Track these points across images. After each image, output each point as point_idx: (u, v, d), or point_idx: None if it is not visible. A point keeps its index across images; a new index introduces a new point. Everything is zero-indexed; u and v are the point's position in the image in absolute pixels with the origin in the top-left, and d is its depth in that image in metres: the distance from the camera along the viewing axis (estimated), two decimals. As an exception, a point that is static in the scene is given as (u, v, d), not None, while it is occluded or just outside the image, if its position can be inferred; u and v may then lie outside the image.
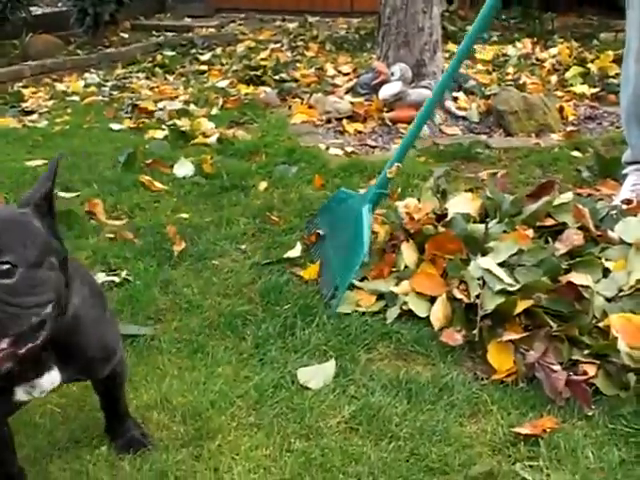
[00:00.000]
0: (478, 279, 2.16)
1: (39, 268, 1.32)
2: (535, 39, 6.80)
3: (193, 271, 2.60)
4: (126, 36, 8.79)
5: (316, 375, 1.98)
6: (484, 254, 2.26)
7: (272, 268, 2.59)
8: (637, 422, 1.77)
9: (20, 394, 1.46)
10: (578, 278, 2.10)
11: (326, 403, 1.88)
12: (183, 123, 4.50)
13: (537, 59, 6.09)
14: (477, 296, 2.12)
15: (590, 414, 1.82)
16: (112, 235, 2.90)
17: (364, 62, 6.24)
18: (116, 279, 2.54)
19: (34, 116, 5.23)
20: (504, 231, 2.37)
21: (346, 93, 4.96)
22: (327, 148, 4.02)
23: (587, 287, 2.08)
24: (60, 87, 6.29)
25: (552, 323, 2.03)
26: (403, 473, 1.64)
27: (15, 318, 1.26)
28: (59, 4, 9.56)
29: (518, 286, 2.08)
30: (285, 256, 2.65)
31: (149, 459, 1.70)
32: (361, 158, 3.82)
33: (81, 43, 8.08)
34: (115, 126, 4.67)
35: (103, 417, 1.81)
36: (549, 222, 2.42)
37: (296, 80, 5.68)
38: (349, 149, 4.02)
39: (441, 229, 2.44)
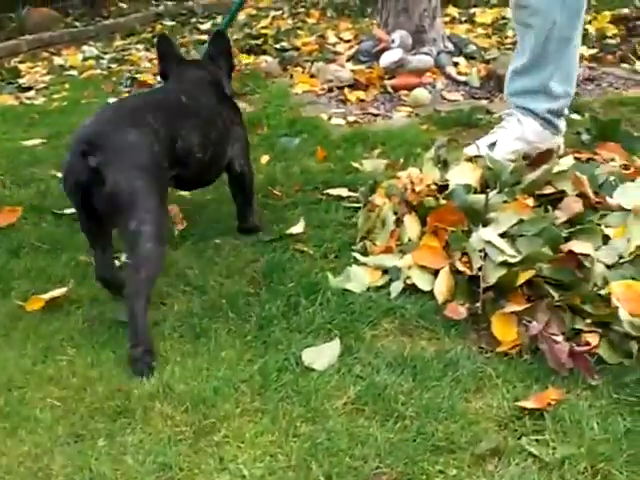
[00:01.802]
0: (480, 251, 2.15)
1: None
2: (534, 1, 6.71)
3: (195, 251, 2.58)
4: (125, 6, 8.72)
5: (321, 355, 1.96)
6: (485, 225, 2.25)
7: (275, 245, 2.58)
8: (641, 391, 1.77)
9: None
10: (578, 246, 2.08)
11: (331, 384, 1.86)
12: (183, 96, 4.46)
13: (536, 22, 6.01)
14: (479, 268, 2.11)
15: (594, 384, 1.81)
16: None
17: (365, 28, 6.20)
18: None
19: (31, 93, 5.19)
20: (504, 201, 2.35)
21: (347, 61, 4.94)
22: (329, 118, 4.01)
23: (587, 255, 2.06)
24: (58, 61, 6.26)
25: (554, 293, 2.02)
26: (410, 454, 1.63)
27: None
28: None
29: (520, 257, 2.07)
30: (288, 232, 2.64)
31: (152, 452, 1.69)
32: (363, 127, 3.80)
33: (79, 15, 8.02)
34: (113, 101, 4.63)
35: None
36: (549, 190, 2.39)
37: (297, 48, 5.65)
38: (351, 118, 4.00)
39: (442, 201, 2.42)
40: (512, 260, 2.06)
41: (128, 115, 2.18)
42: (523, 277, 2.03)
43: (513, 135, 3.11)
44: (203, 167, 2.42)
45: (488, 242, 2.13)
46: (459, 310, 2.08)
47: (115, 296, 2.26)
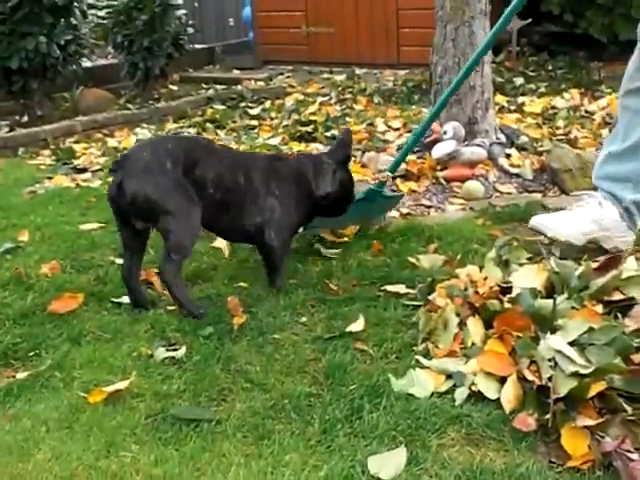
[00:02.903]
0: (549, 360, 2.11)
1: None
2: (582, 90, 6.76)
3: (254, 346, 2.55)
4: (175, 88, 8.90)
5: (387, 464, 1.91)
6: (553, 332, 2.21)
7: (335, 343, 2.54)
8: None
9: None
10: (651, 358, 2.05)
11: (399, 496, 1.82)
12: (237, 184, 4.49)
13: (586, 111, 6.05)
14: (549, 378, 2.07)
15: (671, 505, 1.75)
16: (171, 307, 2.87)
17: (413, 116, 6.25)
18: (176, 355, 2.52)
19: (87, 175, 5.24)
20: (572, 307, 2.32)
21: (398, 150, 4.95)
22: (382, 208, 3.99)
23: (661, 368, 2.03)
24: (112, 143, 6.32)
25: (627, 406, 1.98)
26: None
27: None
28: (109, 57, 9.72)
29: (592, 368, 2.02)
30: (348, 330, 2.61)
31: None
32: (418, 220, 3.78)
33: (131, 96, 8.17)
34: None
35: None
36: (617, 297, 2.36)
37: (347, 136, 5.67)
38: (404, 210, 4.00)
39: (507, 304, 2.39)
40: (584, 371, 2.02)
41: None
42: (595, 389, 1.99)
43: (590, 216, 3.07)
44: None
45: (558, 351, 2.09)
46: (528, 421, 2.02)
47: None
